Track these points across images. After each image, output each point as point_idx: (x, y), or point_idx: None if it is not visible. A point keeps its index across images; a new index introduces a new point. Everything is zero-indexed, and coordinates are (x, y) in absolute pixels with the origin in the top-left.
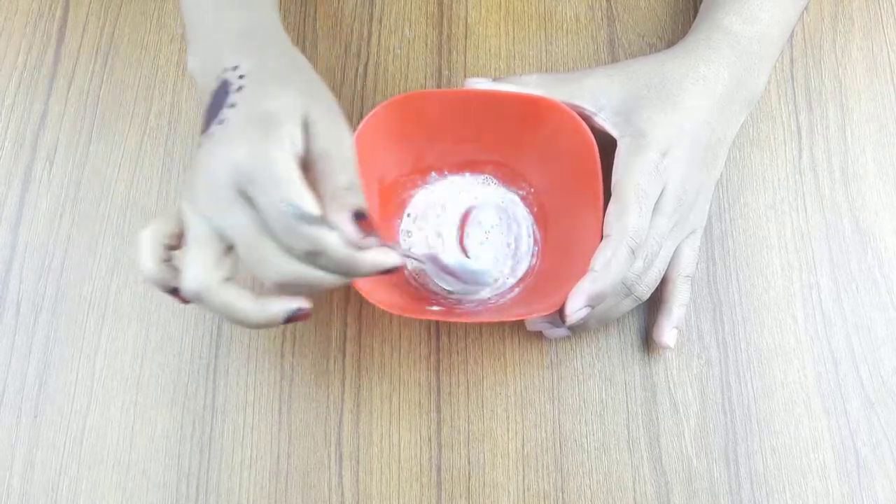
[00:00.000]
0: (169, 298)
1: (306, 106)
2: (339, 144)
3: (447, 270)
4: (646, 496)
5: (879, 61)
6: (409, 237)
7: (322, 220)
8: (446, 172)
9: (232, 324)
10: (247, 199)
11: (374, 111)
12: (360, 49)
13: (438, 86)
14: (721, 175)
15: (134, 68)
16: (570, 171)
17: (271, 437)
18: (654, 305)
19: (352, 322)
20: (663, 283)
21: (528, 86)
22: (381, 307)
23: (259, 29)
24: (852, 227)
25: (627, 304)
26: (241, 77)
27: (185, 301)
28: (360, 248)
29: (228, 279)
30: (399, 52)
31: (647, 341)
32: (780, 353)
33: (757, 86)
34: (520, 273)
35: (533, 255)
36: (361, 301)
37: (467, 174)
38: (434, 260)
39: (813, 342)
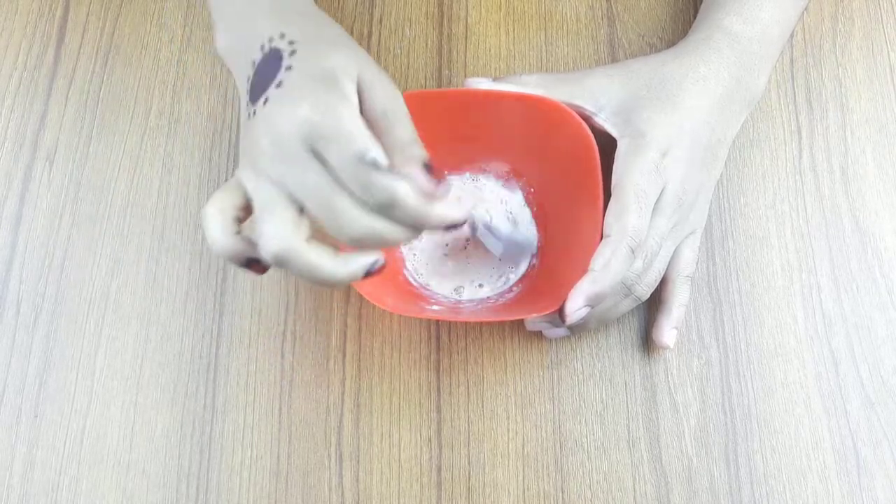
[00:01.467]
0: (238, 274)
1: (359, 67)
2: (396, 101)
3: (499, 236)
4: (646, 496)
5: (879, 61)
6: None
7: (393, 171)
8: (446, 172)
9: (312, 285)
10: (317, 155)
11: None
12: None
13: (438, 86)
14: (721, 175)
15: (134, 68)
16: (570, 171)
17: (271, 437)
18: (654, 305)
19: (352, 322)
20: (663, 283)
21: (528, 86)
22: (381, 307)
23: (294, 1)
24: (852, 227)
25: (627, 304)
26: (291, 43)
27: (262, 271)
28: (433, 197)
29: (310, 239)
30: (399, 52)
31: (647, 341)
32: (780, 353)
33: (757, 86)
34: (520, 273)
35: (533, 254)
36: (361, 301)
37: (467, 174)
38: (488, 226)
39: (813, 342)
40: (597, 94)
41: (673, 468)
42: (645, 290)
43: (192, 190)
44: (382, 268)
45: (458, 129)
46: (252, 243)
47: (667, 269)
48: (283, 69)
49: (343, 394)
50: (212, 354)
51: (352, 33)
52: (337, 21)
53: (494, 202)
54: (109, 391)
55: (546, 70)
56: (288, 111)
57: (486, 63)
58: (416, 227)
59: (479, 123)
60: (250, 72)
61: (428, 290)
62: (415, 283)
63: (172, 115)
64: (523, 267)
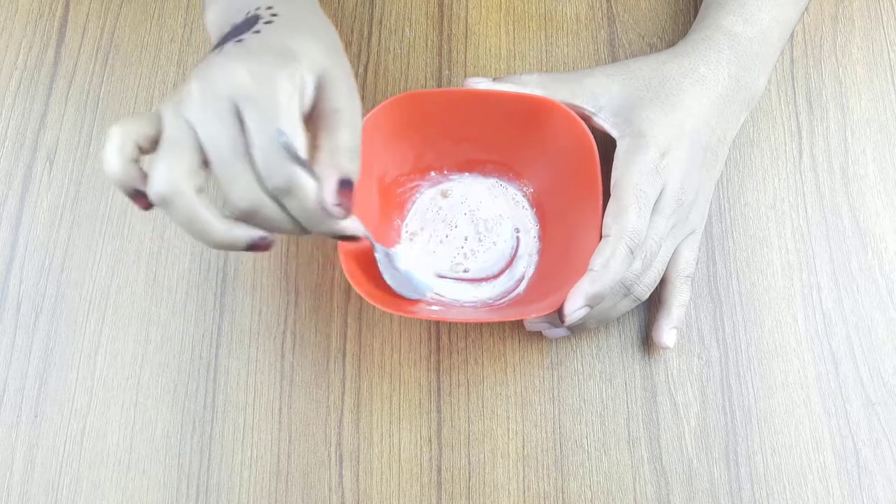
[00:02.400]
0: (238, 274)
1: (328, 63)
2: (352, 106)
3: (395, 268)
4: (646, 496)
5: (879, 61)
6: (412, 239)
7: (306, 164)
8: (446, 172)
9: (191, 236)
10: (238, 117)
11: (374, 110)
12: (360, 49)
13: (438, 86)
14: (721, 175)
15: (134, 68)
16: (570, 171)
17: (271, 437)
18: (654, 305)
19: (352, 322)
20: (663, 284)
21: (528, 86)
22: (381, 307)
23: None
24: (852, 227)
25: (626, 305)
26: (273, 15)
27: (147, 207)
28: (325, 209)
29: (201, 190)
30: (399, 52)
31: (647, 341)
32: (780, 353)
33: (757, 86)
34: (518, 273)
35: (532, 254)
36: (361, 301)
37: (467, 174)
38: (388, 255)
39: (813, 342)
40: (597, 94)
41: (673, 468)
42: (644, 290)
43: None
44: (269, 246)
45: (458, 129)
46: (144, 176)
47: (667, 269)
48: (251, 31)
49: (343, 394)
50: (212, 354)
51: (352, 33)
52: (337, 21)
53: (410, 254)
54: (109, 391)
55: (546, 70)
56: (231, 65)
57: (486, 63)
58: (305, 227)
59: (480, 123)
60: (226, 30)
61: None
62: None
63: None
64: (523, 267)
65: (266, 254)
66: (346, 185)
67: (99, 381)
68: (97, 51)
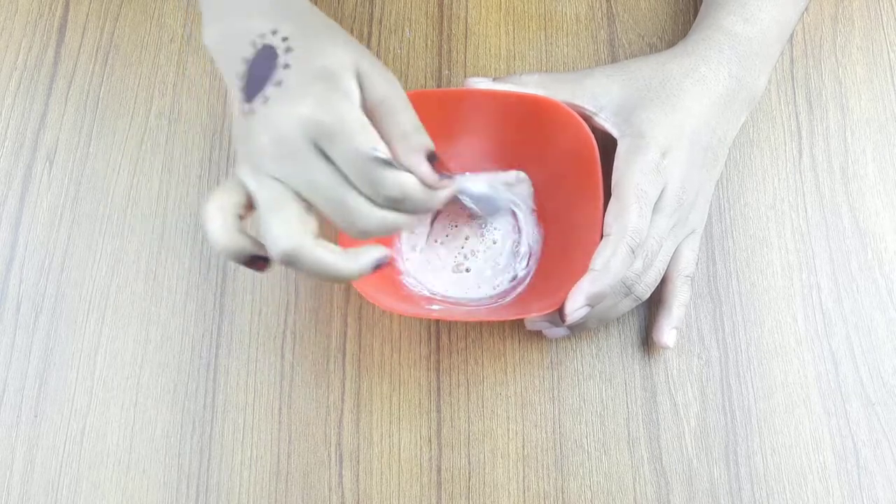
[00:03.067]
0: (238, 274)
1: (356, 59)
2: (396, 89)
3: (475, 198)
4: (646, 496)
5: (879, 61)
6: (412, 238)
7: (400, 165)
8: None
9: (321, 281)
10: (321, 153)
11: None
12: None
13: (438, 86)
14: (721, 175)
15: (134, 68)
16: (571, 171)
17: (271, 437)
18: (654, 305)
19: (352, 322)
20: (663, 283)
21: (529, 86)
22: (381, 307)
23: None
24: (852, 227)
25: (627, 304)
26: (284, 40)
27: (265, 268)
28: (437, 188)
29: (317, 236)
30: (399, 52)
31: (647, 341)
32: (780, 353)
33: (757, 86)
34: (519, 273)
35: (532, 254)
36: (361, 301)
37: (467, 174)
38: (464, 190)
39: (813, 342)
40: (597, 94)
41: (673, 468)
42: (645, 290)
43: (192, 190)
44: (390, 261)
45: (458, 129)
46: (255, 241)
47: (667, 269)
48: (279, 67)
49: (343, 394)
50: (212, 354)
51: (351, 33)
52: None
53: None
54: (109, 391)
55: (546, 70)
56: (290, 109)
57: (486, 63)
58: (423, 212)
59: (480, 123)
60: (241, 68)
61: (428, 289)
62: (414, 284)
63: (172, 115)
64: (523, 266)
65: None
66: (434, 159)
67: (99, 381)
68: (97, 51)
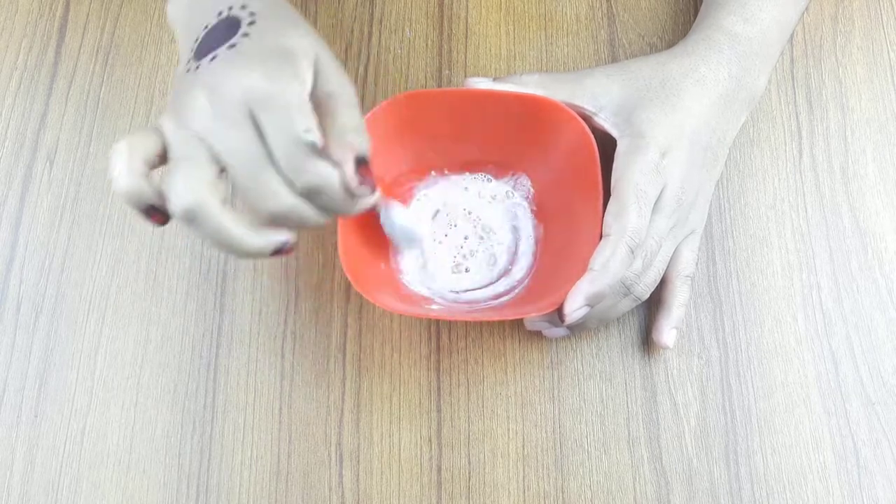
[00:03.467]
0: (238, 274)
1: (317, 50)
2: (346, 88)
3: (393, 226)
4: (646, 496)
5: (879, 61)
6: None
7: (328, 156)
8: (446, 171)
9: (218, 249)
10: (253, 125)
11: (374, 110)
12: (360, 49)
13: (438, 86)
14: (721, 175)
15: (134, 68)
16: (570, 171)
17: (271, 437)
18: (654, 305)
19: (352, 322)
20: (663, 284)
21: (529, 86)
22: (381, 307)
23: None
24: (852, 227)
25: (626, 304)
26: (252, 14)
27: (162, 222)
28: (354, 194)
29: (225, 202)
30: (399, 52)
31: (647, 341)
32: (780, 353)
33: (757, 86)
34: (519, 272)
35: (532, 254)
36: (361, 301)
37: (467, 174)
38: (387, 210)
39: (813, 342)
40: (597, 95)
41: (673, 468)
42: (644, 290)
43: None
44: (292, 249)
45: (458, 129)
46: (158, 192)
47: (667, 269)
48: (239, 34)
49: (343, 394)
50: (212, 354)
51: (352, 33)
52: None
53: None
54: (109, 391)
55: (546, 70)
56: (237, 73)
57: (486, 63)
58: (336, 213)
59: (479, 123)
60: (200, 33)
61: (427, 289)
62: (414, 284)
63: None
64: (523, 266)
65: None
66: (362, 163)
67: (99, 381)
68: (97, 51)
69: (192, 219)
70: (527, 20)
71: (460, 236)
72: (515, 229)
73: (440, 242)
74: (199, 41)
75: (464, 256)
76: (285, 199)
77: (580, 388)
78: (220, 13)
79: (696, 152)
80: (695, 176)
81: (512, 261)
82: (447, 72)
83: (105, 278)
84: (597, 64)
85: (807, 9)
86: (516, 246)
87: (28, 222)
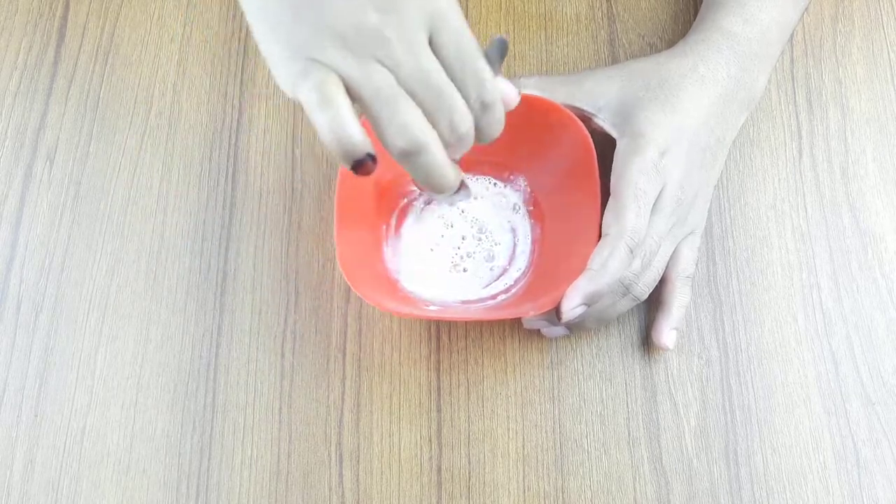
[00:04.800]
0: (238, 274)
1: None
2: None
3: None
4: (646, 496)
5: (879, 61)
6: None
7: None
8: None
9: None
10: (432, 45)
11: None
12: None
13: None
14: (721, 175)
15: (134, 68)
16: (569, 172)
17: (271, 437)
18: (654, 305)
19: (352, 322)
20: (663, 284)
21: (527, 88)
22: (380, 308)
23: None
24: (852, 227)
25: (625, 304)
26: None
27: (372, 171)
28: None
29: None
30: None
31: (647, 341)
32: (780, 353)
33: (756, 87)
34: (516, 272)
35: (529, 254)
36: (361, 301)
37: (466, 174)
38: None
39: (813, 342)
40: (596, 96)
41: (673, 468)
42: (643, 290)
43: (192, 190)
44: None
45: None
46: (365, 135)
47: (667, 269)
48: None
49: (343, 394)
50: (212, 354)
51: None
52: None
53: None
54: (109, 391)
55: (546, 70)
56: None
57: None
58: (481, 138)
59: None
60: None
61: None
62: (412, 285)
63: (172, 115)
64: (521, 266)
65: (266, 254)
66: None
67: (99, 381)
68: (97, 51)
69: (414, 155)
70: (527, 20)
71: (458, 237)
72: (513, 230)
73: (437, 243)
74: None
75: (461, 257)
76: (468, 118)
77: (580, 388)
78: None
79: (696, 152)
80: (694, 176)
81: (510, 261)
82: None
83: (105, 278)
84: (597, 64)
85: (807, 9)
86: (514, 246)
87: (28, 222)
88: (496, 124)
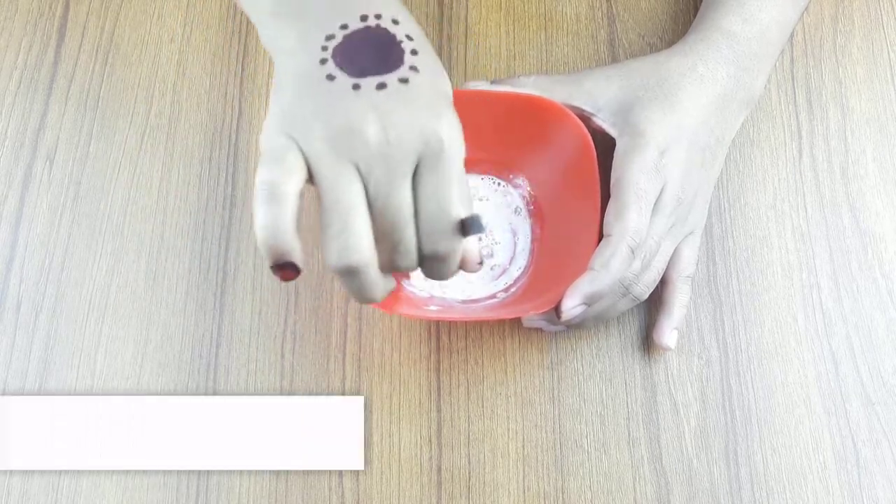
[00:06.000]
0: (238, 274)
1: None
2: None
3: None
4: (646, 496)
5: (879, 61)
6: None
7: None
8: None
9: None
10: (414, 174)
11: None
12: None
13: None
14: (721, 175)
15: (134, 68)
16: (568, 171)
17: None
18: (654, 305)
19: (352, 322)
20: (663, 284)
21: (526, 87)
22: (381, 308)
23: None
24: (852, 227)
25: (625, 304)
26: (409, 37)
27: (293, 278)
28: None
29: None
30: None
31: (647, 341)
32: (780, 353)
33: (756, 86)
34: (516, 272)
35: (529, 253)
36: None
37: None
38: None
39: (813, 342)
40: (595, 95)
41: (673, 468)
42: (643, 290)
43: (192, 190)
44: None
45: None
46: (300, 245)
47: (667, 269)
48: (406, 67)
49: (343, 394)
50: (212, 354)
51: None
52: None
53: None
54: (109, 391)
55: (546, 70)
56: (419, 115)
57: (486, 63)
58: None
59: (478, 123)
60: (336, 31)
61: (426, 290)
62: (412, 285)
63: (172, 115)
64: (521, 266)
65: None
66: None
67: (99, 381)
68: (97, 51)
69: (350, 276)
70: (527, 20)
71: None
72: (513, 229)
73: None
74: (337, 42)
75: None
76: (411, 260)
77: (580, 388)
78: (363, 17)
79: (695, 151)
80: (694, 175)
81: (510, 260)
82: (447, 72)
83: (105, 278)
84: (597, 64)
85: (807, 9)
86: (514, 246)
87: (28, 222)
88: (445, 275)
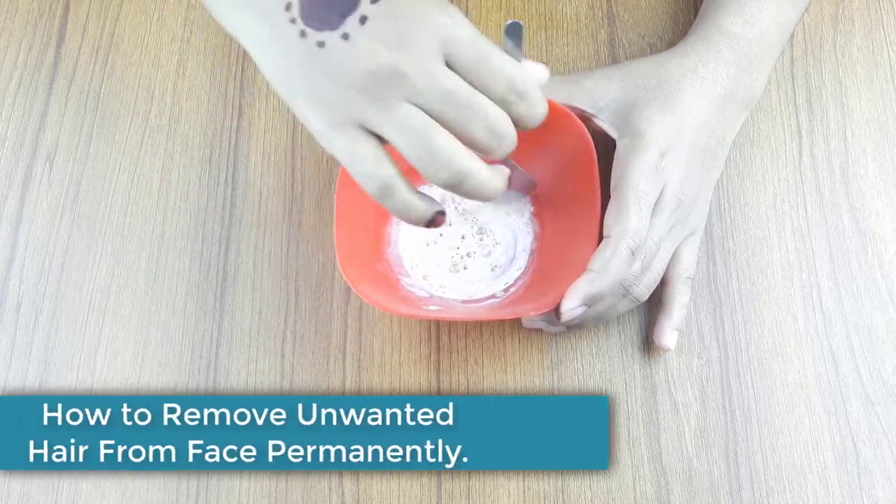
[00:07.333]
0: (238, 274)
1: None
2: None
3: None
4: (646, 496)
5: (879, 61)
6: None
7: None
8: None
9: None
10: (449, 64)
11: None
12: None
13: None
14: (721, 175)
15: (134, 68)
16: (568, 172)
17: None
18: (654, 305)
19: (352, 322)
20: (663, 285)
21: None
22: (380, 308)
23: None
24: (852, 227)
25: (625, 305)
26: None
27: (443, 222)
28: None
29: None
30: None
31: (647, 341)
32: (780, 352)
33: (756, 87)
34: (516, 272)
35: (529, 253)
36: (361, 301)
37: None
38: None
39: (813, 342)
40: (595, 96)
41: (673, 468)
42: (643, 291)
43: (192, 190)
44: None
45: None
46: (420, 200)
47: (667, 270)
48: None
49: (343, 394)
50: (212, 354)
51: None
52: None
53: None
54: (109, 391)
55: None
56: (416, 19)
57: None
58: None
59: None
60: None
61: (426, 290)
62: (412, 285)
63: (172, 115)
64: (520, 266)
65: (266, 254)
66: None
67: (99, 381)
68: (97, 51)
69: (458, 183)
70: (527, 20)
71: (457, 236)
72: (513, 229)
73: (437, 243)
74: (305, 4)
75: (461, 257)
76: (503, 119)
77: (580, 388)
78: None
79: (696, 153)
80: (694, 176)
81: (510, 261)
82: None
83: (105, 278)
84: (597, 64)
85: (807, 9)
86: (514, 246)
87: (28, 222)
88: (536, 107)
